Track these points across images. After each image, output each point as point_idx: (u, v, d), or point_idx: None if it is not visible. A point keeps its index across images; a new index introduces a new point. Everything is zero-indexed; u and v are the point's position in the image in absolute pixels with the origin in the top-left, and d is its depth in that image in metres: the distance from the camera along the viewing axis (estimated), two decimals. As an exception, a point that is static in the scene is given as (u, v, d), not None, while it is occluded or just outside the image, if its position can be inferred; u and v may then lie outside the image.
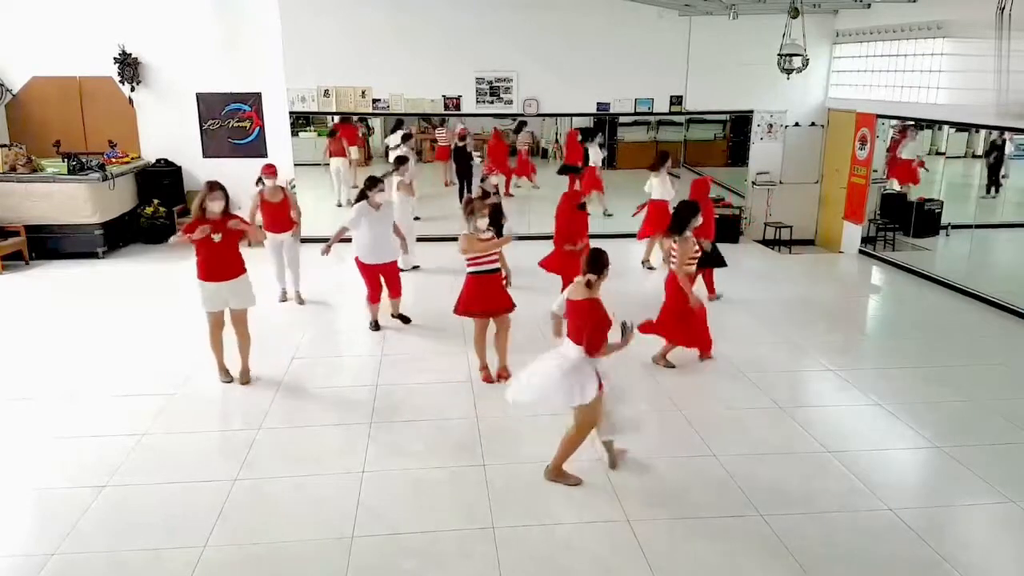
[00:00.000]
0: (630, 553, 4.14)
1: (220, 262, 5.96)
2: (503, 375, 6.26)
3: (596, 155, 11.46)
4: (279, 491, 4.74)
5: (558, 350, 4.73)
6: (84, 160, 10.18)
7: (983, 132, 10.80)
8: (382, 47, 10.80)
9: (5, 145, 10.38)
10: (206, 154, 11.22)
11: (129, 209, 10.86)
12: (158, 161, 11.16)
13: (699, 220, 6.53)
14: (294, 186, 11.26)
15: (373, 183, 7.27)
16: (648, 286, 8.71)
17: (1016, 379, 6.58)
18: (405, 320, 7.68)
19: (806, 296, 9.06)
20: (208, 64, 10.94)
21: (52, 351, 7.02)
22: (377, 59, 10.83)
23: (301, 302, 8.38)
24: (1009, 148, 11.03)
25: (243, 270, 6.11)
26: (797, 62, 8.71)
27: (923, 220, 11.30)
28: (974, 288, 8.92)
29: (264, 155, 11.22)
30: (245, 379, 6.30)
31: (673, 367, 6.65)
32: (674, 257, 6.49)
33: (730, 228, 11.42)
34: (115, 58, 10.74)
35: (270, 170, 8.02)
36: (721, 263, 8.23)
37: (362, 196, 7.26)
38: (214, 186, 5.92)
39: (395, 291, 7.56)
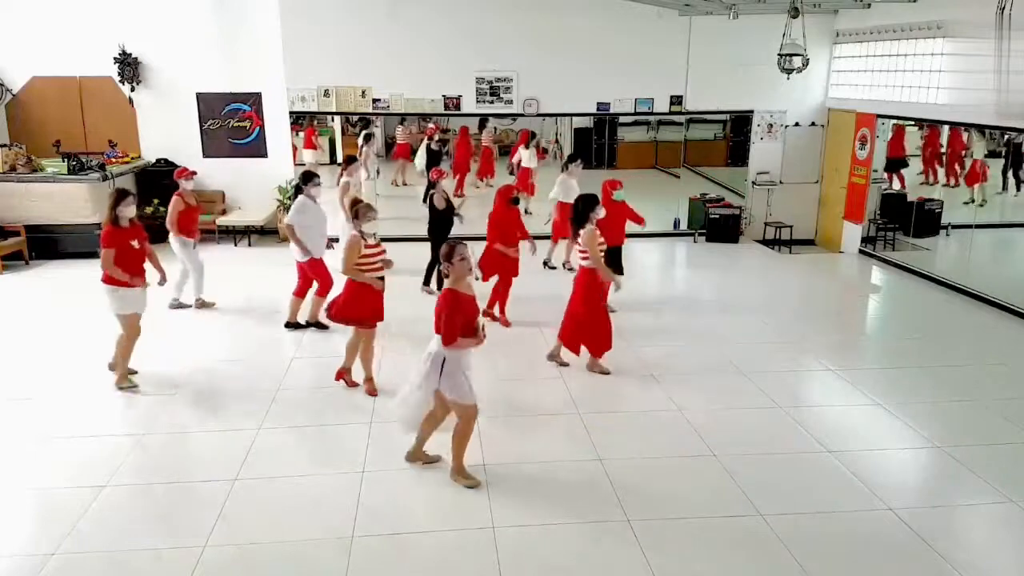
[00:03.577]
0: (630, 553, 4.14)
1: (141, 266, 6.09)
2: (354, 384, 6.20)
3: (529, 158, 11.84)
4: (279, 491, 4.74)
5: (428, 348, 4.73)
6: (84, 160, 10.19)
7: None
8: (382, 47, 10.79)
9: (5, 145, 10.39)
10: (206, 154, 11.23)
11: (129, 209, 10.86)
12: (158, 161, 11.16)
13: (600, 212, 6.39)
14: (294, 186, 11.27)
15: (312, 177, 7.42)
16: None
17: (1016, 379, 6.58)
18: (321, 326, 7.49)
19: (806, 296, 9.07)
20: (208, 64, 10.95)
21: (52, 351, 7.02)
22: (377, 59, 10.83)
23: (202, 305, 8.20)
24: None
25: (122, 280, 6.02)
26: (797, 62, 8.70)
27: (923, 220, 11.31)
28: (974, 288, 8.92)
29: (264, 155, 11.26)
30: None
31: (566, 365, 6.61)
32: (584, 255, 6.32)
33: (730, 228, 11.44)
34: (115, 58, 10.75)
35: (187, 174, 8.07)
36: (620, 270, 7.74)
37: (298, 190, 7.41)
38: (129, 192, 6.03)
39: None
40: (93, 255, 10.14)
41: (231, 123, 11.23)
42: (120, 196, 5.94)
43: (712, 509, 4.56)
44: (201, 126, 11.19)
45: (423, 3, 10.72)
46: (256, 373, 6.50)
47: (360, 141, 12.04)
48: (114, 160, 10.68)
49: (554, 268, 9.60)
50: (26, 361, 6.82)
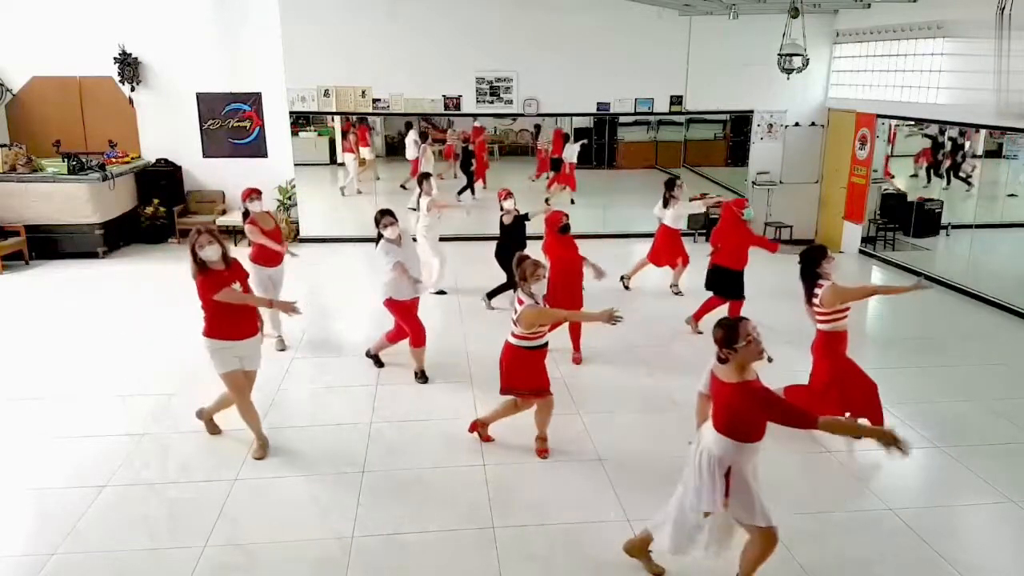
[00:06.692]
0: (630, 553, 4.13)
1: (233, 317, 4.92)
2: (543, 452, 5.18)
3: (571, 154, 12.10)
4: (279, 491, 4.75)
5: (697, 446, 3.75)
6: (84, 160, 10.19)
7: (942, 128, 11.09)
8: (382, 47, 10.80)
9: (5, 145, 10.39)
10: (206, 154, 11.24)
11: (129, 209, 10.87)
12: (158, 161, 11.17)
13: (828, 267, 5.48)
14: (294, 186, 11.27)
15: (383, 215, 6.20)
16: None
17: (1016, 379, 6.58)
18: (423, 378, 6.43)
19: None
20: (208, 64, 10.95)
21: (52, 351, 7.02)
22: (377, 59, 10.83)
23: (283, 347, 7.08)
24: (968, 145, 11.55)
25: (258, 327, 5.16)
26: (797, 62, 8.70)
27: (923, 220, 11.31)
28: (974, 288, 8.92)
29: (264, 155, 11.26)
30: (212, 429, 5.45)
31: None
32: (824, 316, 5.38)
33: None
34: (115, 58, 10.75)
35: (254, 193, 6.84)
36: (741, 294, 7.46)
37: (379, 235, 6.22)
38: (201, 231, 4.86)
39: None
40: (93, 255, 10.21)
41: (231, 123, 11.23)
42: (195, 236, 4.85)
43: (712, 509, 4.55)
44: (201, 126, 11.19)
45: (423, 3, 10.72)
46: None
47: (416, 138, 12.38)
48: (114, 160, 10.68)
49: (681, 294, 8.92)
50: (26, 361, 6.82)
